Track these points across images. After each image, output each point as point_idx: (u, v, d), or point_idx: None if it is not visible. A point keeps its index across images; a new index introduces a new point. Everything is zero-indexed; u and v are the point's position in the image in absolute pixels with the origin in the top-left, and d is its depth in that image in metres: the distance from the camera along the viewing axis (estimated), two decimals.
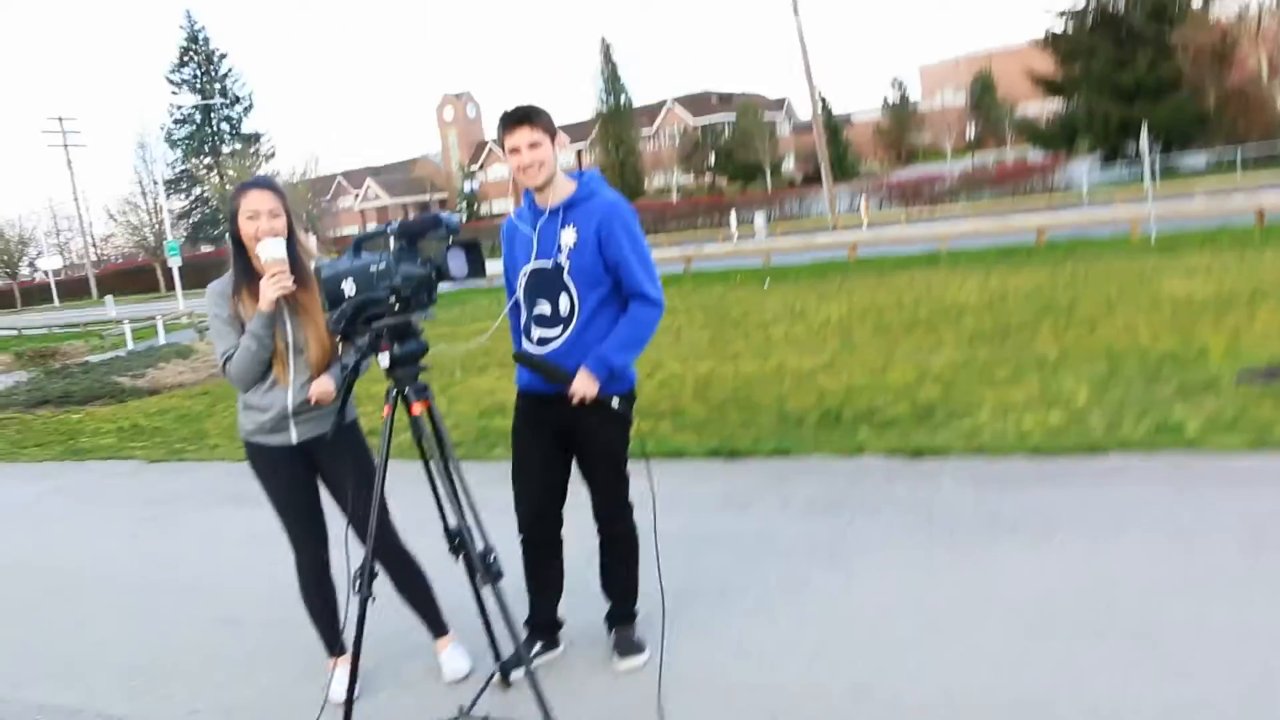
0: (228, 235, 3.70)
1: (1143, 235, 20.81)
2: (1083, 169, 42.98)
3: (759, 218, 44.81)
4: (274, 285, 3.44)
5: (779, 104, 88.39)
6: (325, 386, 3.55)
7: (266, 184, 3.66)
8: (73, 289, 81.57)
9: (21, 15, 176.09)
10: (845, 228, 37.58)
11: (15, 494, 9.53)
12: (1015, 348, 9.78)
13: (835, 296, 17.05)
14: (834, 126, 74.53)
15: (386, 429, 3.24)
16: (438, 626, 4.05)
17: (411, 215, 3.88)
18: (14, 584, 6.37)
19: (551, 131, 3.52)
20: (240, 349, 3.53)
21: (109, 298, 54.34)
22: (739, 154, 75.24)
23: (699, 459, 6.76)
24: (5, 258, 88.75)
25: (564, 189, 3.57)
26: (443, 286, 3.21)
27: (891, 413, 7.44)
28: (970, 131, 76.40)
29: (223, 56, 74.15)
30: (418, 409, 3.21)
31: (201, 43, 73.15)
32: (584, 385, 3.46)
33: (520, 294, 3.65)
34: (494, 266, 3.57)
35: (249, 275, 3.61)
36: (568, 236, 3.51)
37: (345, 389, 3.38)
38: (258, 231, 3.54)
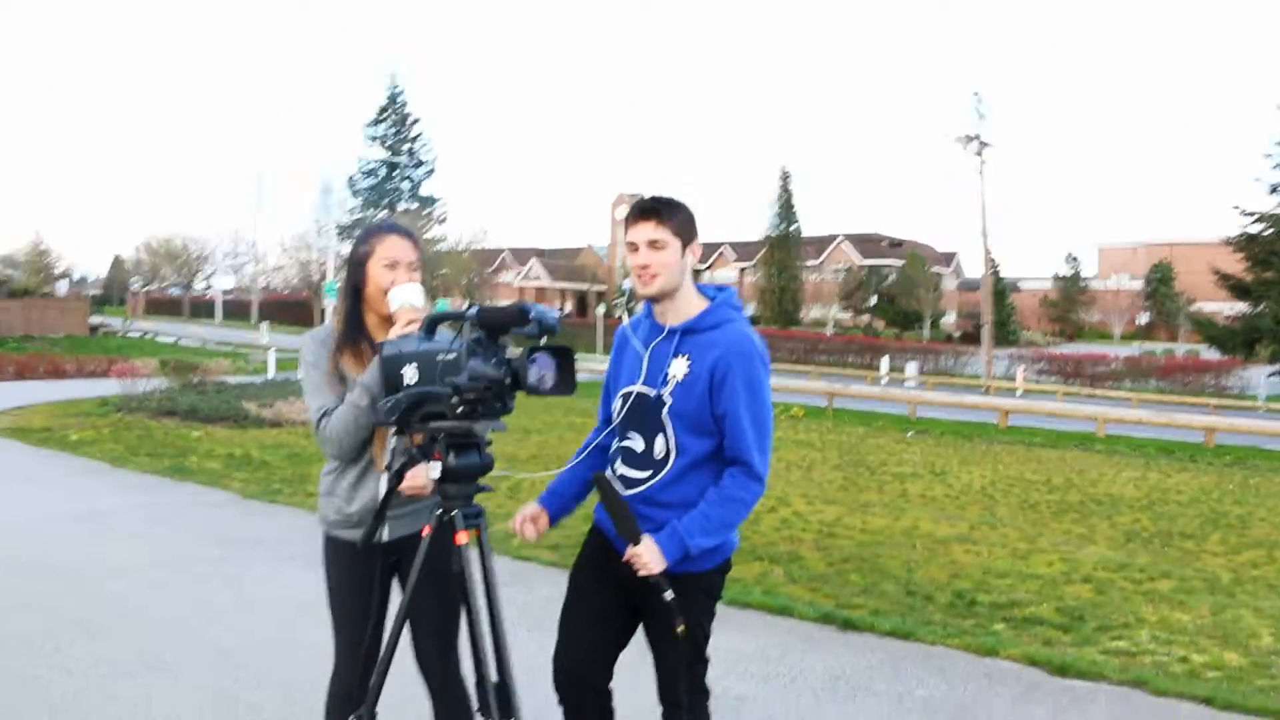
0: (345, 282, 3.11)
1: None
2: (1261, 376, 40.73)
3: (911, 365, 43.67)
4: (409, 294, 2.87)
5: (948, 258, 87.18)
6: (421, 478, 2.75)
7: (408, 232, 3.08)
8: (236, 310, 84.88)
9: (244, 53, 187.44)
10: (998, 392, 36.24)
11: (106, 502, 9.36)
12: (1178, 559, 8.76)
13: (980, 462, 16.07)
14: (1001, 290, 73.05)
15: (420, 554, 2.57)
16: None
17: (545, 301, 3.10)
18: (62, 600, 5.97)
19: (685, 235, 2.80)
20: (346, 405, 2.88)
21: (265, 325, 56.04)
22: (901, 300, 74.23)
23: (808, 621, 5.96)
24: (184, 270, 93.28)
25: (690, 307, 2.86)
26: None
27: (1033, 610, 6.54)
28: (1142, 319, 73.83)
29: (415, 120, 76.61)
30: (463, 537, 2.50)
31: (399, 104, 75.89)
32: (649, 557, 2.68)
33: (615, 417, 2.96)
34: None
35: (359, 331, 3.02)
36: (678, 367, 2.80)
37: (385, 498, 2.68)
38: (394, 282, 2.95)
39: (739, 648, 5.38)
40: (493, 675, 2.49)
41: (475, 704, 2.58)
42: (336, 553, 3.06)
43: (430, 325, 2.58)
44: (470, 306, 2.45)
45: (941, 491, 12.20)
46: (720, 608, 3.03)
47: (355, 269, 3.04)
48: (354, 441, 2.91)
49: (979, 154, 43.42)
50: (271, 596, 6.19)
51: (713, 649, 2.96)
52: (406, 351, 2.54)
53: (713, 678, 2.95)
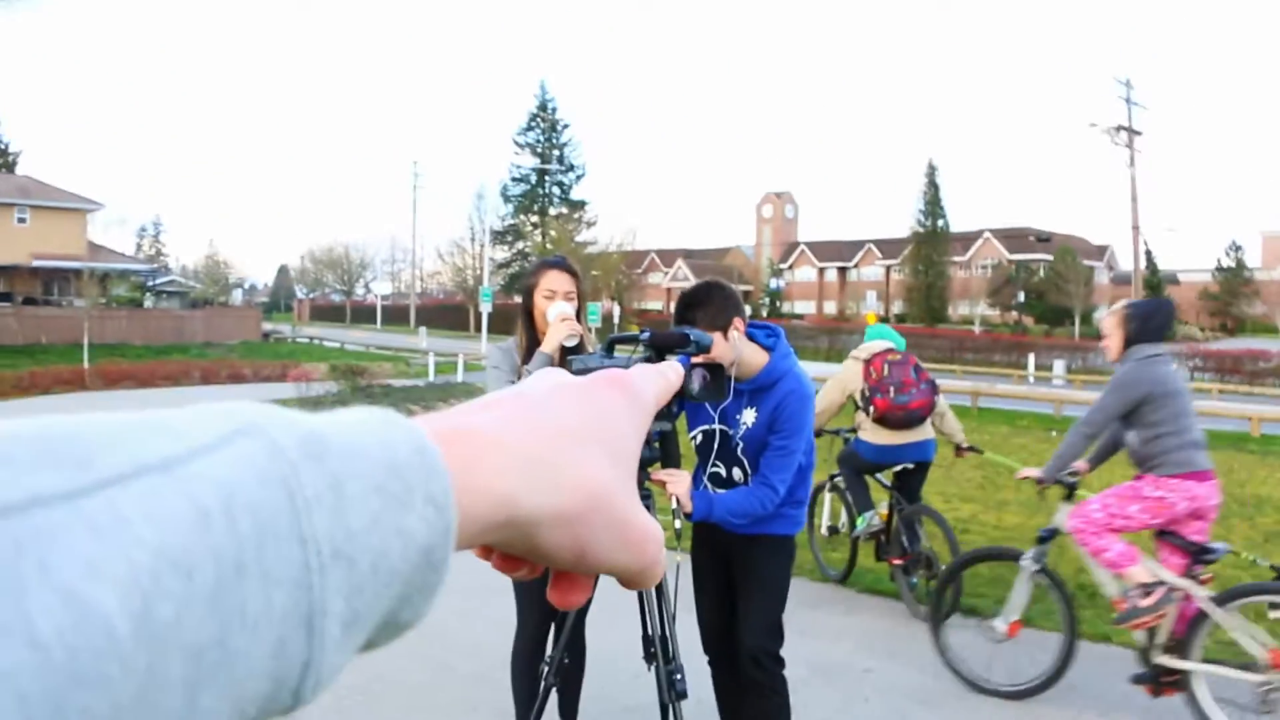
0: (520, 307, 3.92)
1: None
2: None
3: (1058, 364, 42.96)
4: (562, 327, 3.65)
5: (1101, 251, 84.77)
6: None
7: (566, 266, 3.87)
8: (394, 315, 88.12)
9: (399, 69, 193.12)
10: None
11: None
12: None
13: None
14: (1156, 283, 70.70)
15: None
16: (570, 713, 4.07)
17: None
18: None
19: (721, 325, 3.50)
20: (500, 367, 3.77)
21: (423, 329, 58.22)
22: (1051, 296, 72.45)
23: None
24: (345, 277, 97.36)
25: (752, 365, 3.61)
26: None
27: None
28: None
29: (565, 126, 78.35)
30: None
31: (549, 111, 77.76)
32: (676, 486, 3.45)
33: (694, 446, 3.80)
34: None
35: (535, 348, 3.79)
36: (748, 416, 3.61)
37: None
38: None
39: (870, 627, 6.01)
40: (657, 630, 3.23)
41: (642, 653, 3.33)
42: None
43: (609, 345, 3.36)
44: (643, 331, 3.21)
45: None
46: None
47: (525, 297, 3.87)
48: None
49: (1129, 145, 42.38)
50: (455, 579, 7.04)
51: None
52: (592, 366, 3.31)
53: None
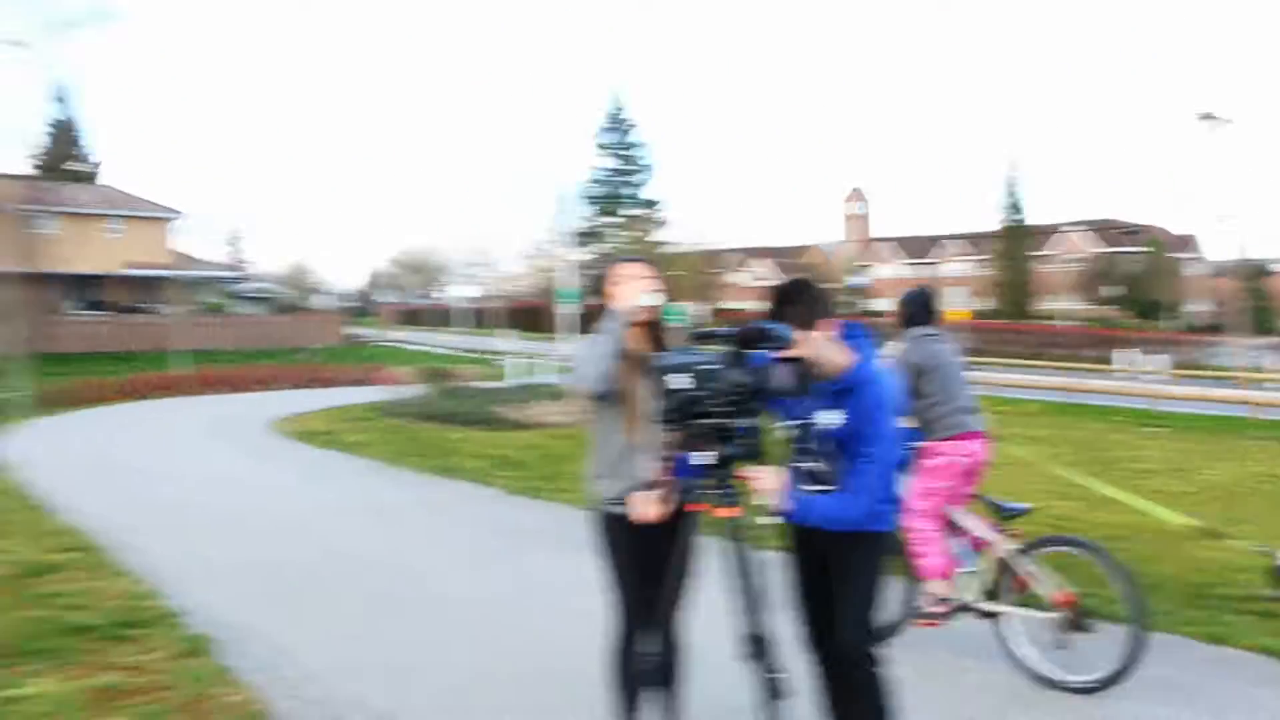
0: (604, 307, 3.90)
1: None
2: None
3: (1159, 358, 41.81)
4: (641, 284, 3.76)
5: (1183, 242, 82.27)
6: (646, 509, 3.62)
7: (642, 259, 4.00)
8: (478, 318, 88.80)
9: (477, 80, 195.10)
10: (1250, 384, 34.37)
11: (389, 496, 10.56)
12: None
13: (1226, 457, 15.60)
14: (1250, 273, 68.59)
15: (693, 525, 3.37)
16: (673, 713, 3.98)
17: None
18: (363, 579, 7.02)
19: (808, 323, 3.44)
20: (591, 340, 3.76)
21: (507, 331, 58.46)
22: (1140, 289, 70.64)
23: (1040, 611, 6.34)
24: (429, 281, 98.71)
25: (838, 363, 3.53)
26: None
27: (1272, 605, 6.68)
28: None
29: (646, 126, 78.75)
30: (723, 514, 3.20)
31: (628, 112, 77.81)
32: (765, 484, 3.40)
33: (781, 442, 3.72)
34: None
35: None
36: (829, 416, 3.52)
37: (687, 486, 3.36)
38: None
39: (966, 629, 5.85)
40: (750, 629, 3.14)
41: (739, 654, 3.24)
42: (612, 525, 3.85)
43: (696, 339, 3.35)
44: (728, 327, 3.16)
45: (1180, 487, 12.08)
46: None
47: (605, 294, 3.91)
48: (595, 371, 3.70)
49: (1218, 135, 41.00)
50: (551, 578, 7.04)
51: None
52: (677, 362, 3.23)
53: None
